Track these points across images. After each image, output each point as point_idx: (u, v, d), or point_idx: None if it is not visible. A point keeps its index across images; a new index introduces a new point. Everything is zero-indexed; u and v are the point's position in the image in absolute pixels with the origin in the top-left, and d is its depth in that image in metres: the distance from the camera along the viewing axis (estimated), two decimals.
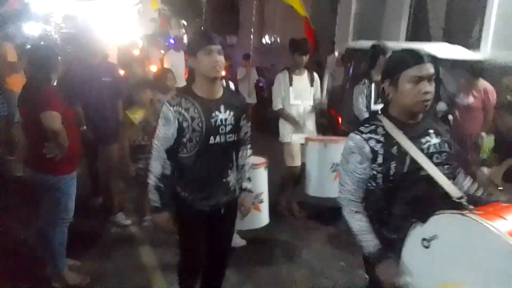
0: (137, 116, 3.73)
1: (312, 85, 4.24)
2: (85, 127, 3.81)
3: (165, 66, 7.56)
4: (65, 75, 3.84)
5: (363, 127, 1.72)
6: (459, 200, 1.49)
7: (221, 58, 2.11)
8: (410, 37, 6.92)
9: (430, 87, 1.60)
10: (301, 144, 4.21)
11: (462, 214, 1.42)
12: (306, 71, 4.24)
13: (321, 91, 4.51)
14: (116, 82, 4.09)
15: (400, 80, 1.62)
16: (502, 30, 5.44)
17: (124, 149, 3.79)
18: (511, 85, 4.60)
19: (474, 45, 5.76)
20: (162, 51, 9.50)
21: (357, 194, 1.73)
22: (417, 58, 1.62)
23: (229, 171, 2.29)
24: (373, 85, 3.98)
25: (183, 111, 2.10)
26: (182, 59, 7.92)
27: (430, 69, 1.60)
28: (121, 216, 4.08)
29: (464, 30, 6.14)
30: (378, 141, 1.66)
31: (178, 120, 2.10)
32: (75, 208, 2.98)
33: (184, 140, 2.14)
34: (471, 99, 4.49)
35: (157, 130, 2.18)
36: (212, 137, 2.14)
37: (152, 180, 2.18)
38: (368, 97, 4.02)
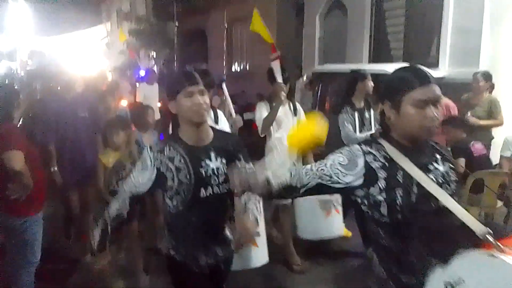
0: (111, 159, 3.43)
1: (295, 115, 3.90)
2: (55, 168, 3.62)
3: (137, 99, 7.41)
4: (33, 113, 3.77)
5: (364, 143, 1.52)
6: (484, 237, 1.26)
7: (205, 99, 1.86)
8: (373, 59, 7.17)
9: (437, 111, 1.39)
10: None
11: (492, 255, 1.19)
12: (288, 101, 3.91)
13: None
14: (93, 118, 3.90)
15: (403, 103, 1.41)
16: (459, 47, 5.71)
17: (97, 192, 3.50)
18: (471, 101, 4.84)
19: (433, 63, 6.01)
20: (133, 84, 9.52)
21: (302, 181, 1.48)
22: (422, 78, 1.40)
23: (227, 223, 2.01)
24: (356, 113, 3.88)
25: (166, 160, 1.85)
26: (155, 92, 7.84)
27: (436, 91, 1.39)
28: (91, 258, 3.82)
29: (423, 50, 6.42)
30: (378, 161, 1.46)
31: (157, 169, 1.85)
32: (42, 250, 2.88)
33: (170, 194, 1.88)
34: None
35: (131, 174, 1.95)
36: (203, 190, 1.87)
37: (103, 220, 1.98)
38: (352, 125, 3.87)
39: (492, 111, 4.71)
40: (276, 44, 9.58)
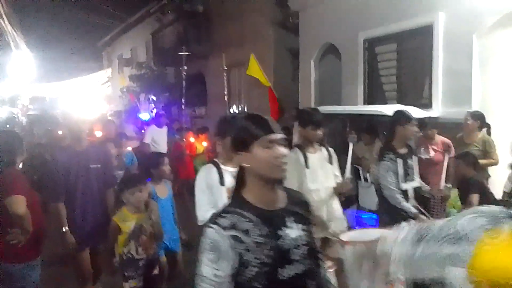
0: (128, 223, 2.99)
1: (331, 163, 3.50)
2: (67, 228, 3.25)
3: (145, 141, 7.86)
4: (36, 161, 3.78)
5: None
6: None
7: (286, 151, 1.53)
8: (368, 100, 7.33)
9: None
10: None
11: None
12: (322, 147, 3.54)
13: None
14: (107, 169, 3.57)
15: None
16: (450, 88, 5.87)
17: (111, 257, 3.09)
18: (465, 140, 4.94)
19: (426, 104, 6.16)
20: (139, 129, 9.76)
21: None
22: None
23: None
24: (399, 160, 3.60)
25: (242, 235, 1.42)
26: (164, 136, 8.15)
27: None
28: None
29: (416, 91, 6.59)
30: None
31: (239, 252, 1.41)
32: None
33: (244, 278, 1.42)
34: (432, 153, 4.74)
35: (202, 269, 1.41)
36: (283, 269, 1.44)
37: None
38: (395, 174, 3.59)
39: (487, 151, 4.78)
40: (273, 87, 9.88)
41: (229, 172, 2.51)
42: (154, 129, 8.17)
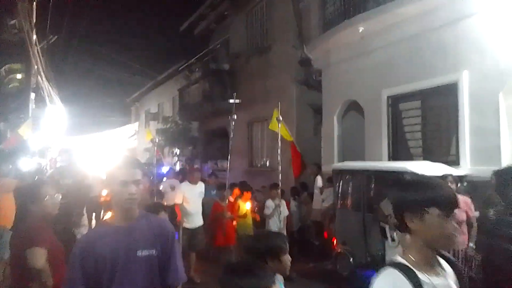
0: None
1: None
2: None
3: (177, 202, 6.57)
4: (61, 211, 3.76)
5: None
6: None
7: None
8: (392, 157, 7.23)
9: None
10: None
11: None
12: None
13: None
14: (166, 257, 2.26)
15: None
16: (478, 146, 5.74)
17: None
18: (491, 199, 4.75)
19: (453, 161, 6.01)
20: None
21: None
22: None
23: None
24: None
25: None
26: (198, 194, 6.79)
27: None
28: None
29: (442, 148, 6.48)
30: None
31: None
32: None
33: None
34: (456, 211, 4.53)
35: None
36: None
37: None
38: None
39: None
40: (296, 142, 9.90)
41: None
42: (187, 186, 6.74)
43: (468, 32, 5.94)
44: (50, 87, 16.03)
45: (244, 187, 7.47)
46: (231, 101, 7.44)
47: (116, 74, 23.46)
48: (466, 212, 4.57)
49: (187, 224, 6.58)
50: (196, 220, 6.69)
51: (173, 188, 8.33)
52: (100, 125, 27.11)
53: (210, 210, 6.99)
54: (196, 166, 7.83)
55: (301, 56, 10.21)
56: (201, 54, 16.32)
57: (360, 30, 7.45)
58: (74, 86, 23.20)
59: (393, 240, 5.51)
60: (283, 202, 6.93)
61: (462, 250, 4.49)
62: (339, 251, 6.41)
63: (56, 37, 17.26)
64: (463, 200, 4.65)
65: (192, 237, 6.58)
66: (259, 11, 12.76)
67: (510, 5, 5.39)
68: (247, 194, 7.14)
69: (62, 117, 16.63)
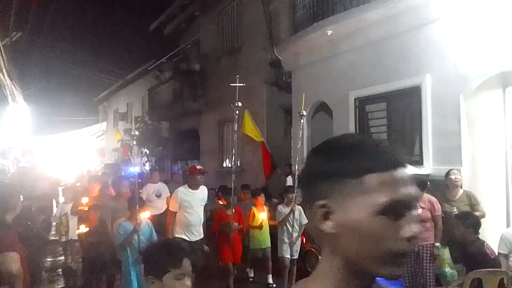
0: None
1: None
2: None
3: (172, 209, 5.57)
4: (23, 214, 3.63)
5: None
6: None
7: None
8: None
9: None
10: None
11: None
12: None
13: None
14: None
15: None
16: (440, 147, 5.98)
17: None
18: (450, 196, 4.99)
19: (417, 161, 6.23)
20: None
21: None
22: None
23: None
24: None
25: None
26: (199, 200, 5.85)
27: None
28: None
29: (406, 148, 6.70)
30: None
31: None
32: None
33: None
34: (419, 210, 4.72)
35: None
36: None
37: None
38: None
39: (473, 204, 4.87)
40: (266, 143, 9.95)
41: None
42: (186, 191, 5.64)
43: (429, 38, 6.18)
44: (13, 85, 15.44)
45: (254, 190, 6.58)
46: (234, 84, 6.21)
47: (83, 73, 22.87)
48: (430, 211, 4.73)
49: (185, 237, 5.36)
50: (196, 232, 5.57)
51: (159, 195, 7.69)
52: (66, 124, 26.37)
53: (213, 220, 5.97)
54: (199, 167, 6.00)
55: (271, 57, 10.31)
56: (171, 54, 16.17)
57: (329, 33, 7.60)
58: (39, 84, 22.42)
59: None
60: (299, 208, 5.68)
61: (427, 248, 4.64)
62: (307, 249, 6.53)
63: (20, 33, 16.64)
64: (427, 198, 4.82)
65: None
66: (229, 12, 12.78)
67: (469, 12, 5.65)
68: (261, 200, 6.11)
69: (26, 116, 16.06)
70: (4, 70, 14.23)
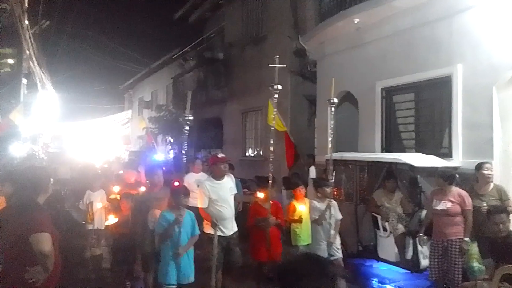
0: None
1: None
2: None
3: (201, 206, 5.02)
4: (52, 197, 3.67)
5: None
6: None
7: None
8: (385, 148, 7.30)
9: None
10: None
11: None
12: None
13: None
14: None
15: None
16: (471, 140, 5.82)
17: None
18: (480, 191, 4.86)
19: (446, 154, 6.09)
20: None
21: None
22: None
23: None
24: None
25: None
26: (227, 190, 5.31)
27: None
28: None
29: (435, 140, 6.55)
30: None
31: None
32: None
33: None
34: (449, 205, 4.62)
35: None
36: None
37: None
38: None
39: (503, 199, 4.74)
40: (290, 133, 9.92)
41: None
42: (211, 183, 5.09)
43: (461, 27, 5.98)
44: (42, 73, 15.83)
45: (294, 182, 6.06)
46: (274, 65, 5.31)
47: (109, 61, 23.19)
48: (460, 205, 4.61)
49: (219, 232, 4.87)
50: (231, 225, 5.10)
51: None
52: (92, 112, 26.91)
53: (248, 214, 5.44)
54: (221, 155, 5.59)
55: (296, 46, 10.20)
56: (195, 42, 16.21)
57: (356, 22, 7.46)
58: (67, 72, 22.91)
59: (384, 230, 5.60)
60: (334, 204, 5.28)
61: (456, 243, 4.55)
62: None
63: (48, 22, 16.99)
64: (457, 192, 4.70)
65: (228, 249, 4.99)
66: (254, 0, 12.68)
67: (503, 0, 5.43)
68: (300, 192, 5.61)
69: (54, 103, 16.47)
70: (34, 58, 14.59)
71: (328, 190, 5.26)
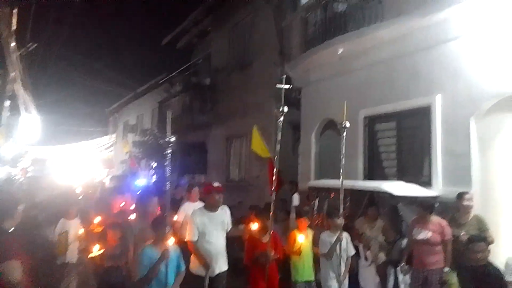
0: None
1: None
2: None
3: (189, 239, 4.53)
4: (30, 224, 3.56)
5: None
6: None
7: None
8: (368, 176, 7.33)
9: None
10: None
11: None
12: None
13: None
14: None
15: None
16: (450, 168, 5.88)
17: None
18: (460, 220, 4.88)
19: (426, 182, 6.13)
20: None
21: None
22: None
23: None
24: None
25: None
26: (218, 224, 4.78)
27: None
28: None
29: (416, 168, 6.60)
30: None
31: None
32: None
33: None
34: (429, 234, 4.62)
35: None
36: None
37: None
38: None
39: (482, 229, 4.76)
40: (274, 160, 9.83)
41: None
42: (202, 213, 4.70)
43: (441, 58, 6.14)
44: (26, 95, 15.66)
45: (300, 212, 5.78)
46: (280, 86, 4.74)
47: (96, 84, 23.20)
48: (441, 235, 4.62)
49: (208, 271, 4.48)
50: (219, 264, 4.61)
51: None
52: (77, 135, 26.61)
53: (245, 250, 5.01)
54: (216, 184, 4.95)
55: (281, 73, 10.33)
56: (183, 68, 16.33)
57: (340, 51, 7.61)
58: (52, 95, 22.76)
59: (366, 259, 5.55)
60: (347, 236, 4.93)
61: (436, 272, 4.52)
62: None
63: (36, 44, 16.96)
64: (438, 221, 4.71)
65: None
66: (241, 28, 12.90)
67: (482, 33, 5.61)
68: (303, 222, 5.32)
69: (37, 126, 16.24)
70: (19, 80, 14.46)
71: (339, 221, 4.82)
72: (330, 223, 5.04)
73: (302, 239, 5.03)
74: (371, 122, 7.48)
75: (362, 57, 7.48)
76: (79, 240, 5.50)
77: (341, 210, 4.71)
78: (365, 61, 7.47)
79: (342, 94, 7.98)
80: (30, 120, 15.54)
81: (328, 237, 4.92)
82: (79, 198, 9.67)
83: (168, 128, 3.44)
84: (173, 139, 3.53)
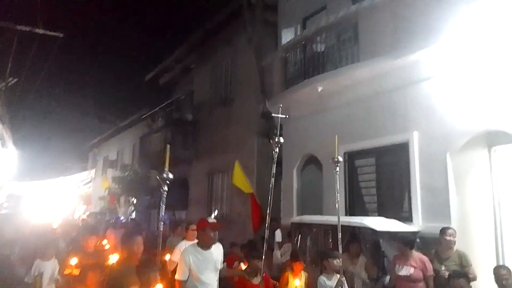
0: None
1: None
2: None
3: (179, 277, 4.19)
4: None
5: None
6: None
7: None
8: (349, 211, 7.37)
9: None
10: None
11: None
12: None
13: None
14: None
15: None
16: (429, 204, 5.98)
17: None
18: (443, 255, 4.92)
19: (406, 218, 6.20)
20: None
21: None
22: None
23: None
24: None
25: None
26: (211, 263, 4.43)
27: None
28: None
29: (396, 204, 6.69)
30: None
31: None
32: None
33: None
34: (411, 270, 4.63)
35: None
36: None
37: None
38: None
39: (464, 265, 4.79)
40: (256, 194, 9.88)
41: None
42: (193, 251, 4.34)
43: (417, 96, 6.38)
44: (3, 130, 15.40)
45: (294, 254, 5.53)
46: (276, 115, 4.49)
47: (76, 119, 23.00)
48: (422, 271, 4.64)
49: None
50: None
51: None
52: (55, 170, 26.06)
53: None
54: (212, 220, 4.95)
55: (262, 109, 10.50)
56: (165, 104, 16.42)
57: (319, 90, 7.83)
58: (31, 130, 22.43)
59: None
60: (343, 280, 4.23)
61: None
62: None
63: (16, 79, 16.86)
64: (419, 257, 4.74)
65: None
66: (223, 66, 13.18)
67: (455, 73, 5.89)
68: (299, 265, 5.16)
69: (13, 161, 15.88)
70: None
71: (336, 263, 4.62)
72: (326, 265, 4.87)
73: (298, 283, 4.80)
74: (351, 157, 7.61)
75: (340, 95, 7.71)
76: (56, 283, 5.22)
77: (340, 250, 4.28)
78: (343, 99, 7.69)
79: (322, 130, 8.15)
80: (7, 154, 15.21)
81: (327, 281, 4.73)
82: (56, 237, 9.37)
83: (167, 163, 3.28)
84: (171, 176, 3.31)
